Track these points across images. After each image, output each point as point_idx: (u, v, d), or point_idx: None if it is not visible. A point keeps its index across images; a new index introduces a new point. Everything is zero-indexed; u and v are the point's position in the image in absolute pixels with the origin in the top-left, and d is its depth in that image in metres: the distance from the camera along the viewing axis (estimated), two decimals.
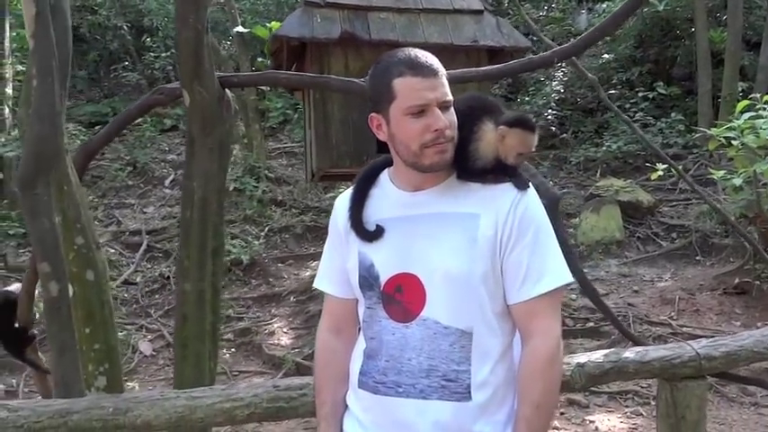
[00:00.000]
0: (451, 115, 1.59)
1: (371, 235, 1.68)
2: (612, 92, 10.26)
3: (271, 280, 8.29)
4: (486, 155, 1.64)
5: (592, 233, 8.22)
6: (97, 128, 11.01)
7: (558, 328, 1.62)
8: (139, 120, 11.32)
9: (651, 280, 7.44)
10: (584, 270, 7.58)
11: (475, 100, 1.75)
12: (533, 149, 1.64)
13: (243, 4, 12.42)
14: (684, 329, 6.11)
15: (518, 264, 1.59)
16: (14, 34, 11.22)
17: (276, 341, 6.96)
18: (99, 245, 2.64)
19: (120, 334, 6.96)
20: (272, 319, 7.41)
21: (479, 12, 4.76)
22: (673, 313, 6.47)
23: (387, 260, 1.66)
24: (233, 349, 6.96)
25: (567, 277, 1.63)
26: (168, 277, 8.07)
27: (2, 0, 9.01)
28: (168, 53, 12.46)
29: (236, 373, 6.50)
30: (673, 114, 9.98)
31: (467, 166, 1.67)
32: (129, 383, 6.07)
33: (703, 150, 8.33)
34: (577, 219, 8.57)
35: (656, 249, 8.18)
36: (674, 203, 9.07)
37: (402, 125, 1.58)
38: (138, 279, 8.22)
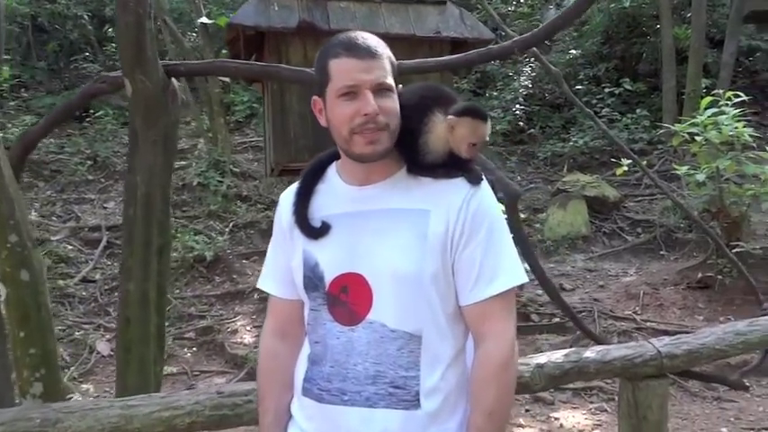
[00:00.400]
0: (390, 101, 1.49)
1: (316, 232, 1.58)
2: (579, 87, 10.28)
3: (235, 277, 8.11)
4: (436, 148, 1.54)
5: (558, 228, 8.22)
6: None
7: (512, 331, 1.53)
8: (101, 112, 11.05)
9: (616, 275, 7.47)
10: (551, 265, 7.60)
11: (427, 89, 1.65)
12: (486, 139, 1.54)
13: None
14: (648, 324, 6.13)
15: (470, 263, 1.50)
16: None
17: (239, 339, 6.81)
18: (35, 242, 2.48)
19: (77, 333, 6.81)
20: (235, 317, 7.25)
21: (442, 3, 4.66)
22: (637, 308, 6.49)
23: (332, 259, 1.55)
24: (194, 348, 6.79)
25: (522, 277, 1.55)
26: None
27: None
28: None
29: (198, 373, 6.33)
30: (638, 110, 10.05)
31: (417, 159, 1.58)
32: (84, 385, 5.86)
33: (668, 146, 8.40)
34: (544, 214, 8.57)
35: (622, 244, 8.23)
36: (640, 199, 9.14)
37: (334, 108, 1.49)
38: (96, 276, 7.98)
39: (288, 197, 1.68)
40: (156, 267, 2.53)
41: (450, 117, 1.51)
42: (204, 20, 7.86)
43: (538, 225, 8.44)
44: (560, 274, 7.34)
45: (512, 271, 1.53)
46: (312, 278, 1.57)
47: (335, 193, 1.62)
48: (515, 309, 1.57)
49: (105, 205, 9.65)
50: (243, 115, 12.24)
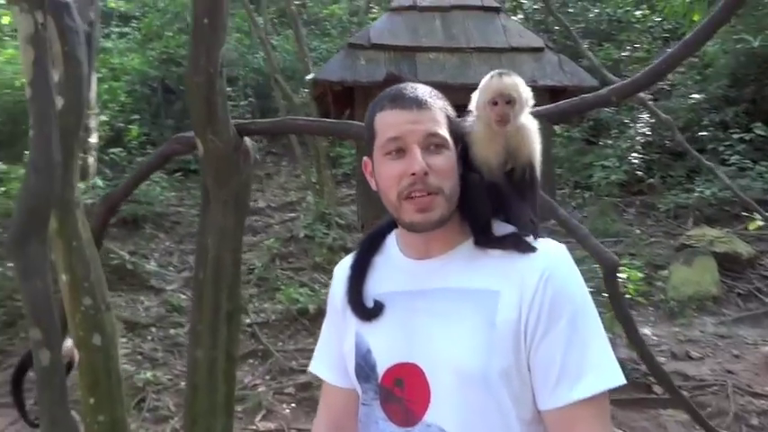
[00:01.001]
0: (443, 159, 1.27)
1: (368, 312, 1.37)
2: (704, 134, 9.52)
3: None
4: (484, 153, 1.32)
5: (683, 288, 7.48)
6: (177, 174, 11.32)
7: None
8: None
9: (754, 343, 6.60)
10: (675, 329, 6.87)
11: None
12: (504, 92, 1.31)
13: (318, 53, 12.58)
14: None
15: (550, 358, 1.22)
16: (105, 86, 11.83)
17: None
18: (109, 306, 2.43)
19: (182, 383, 6.92)
20: None
21: (539, 49, 4.41)
22: None
23: (385, 346, 1.33)
24: (293, 404, 6.68)
25: (617, 377, 1.24)
26: None
27: (90, 57, 9.41)
28: (246, 101, 12.73)
29: (295, 430, 6.20)
30: None
31: (483, 224, 1.33)
32: None
33: None
34: (666, 271, 7.84)
35: (760, 307, 7.33)
36: None
37: (381, 169, 1.30)
38: None
39: (342, 271, 1.49)
40: (226, 334, 2.40)
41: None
42: (311, 76, 8.06)
43: (659, 283, 7.72)
44: (686, 339, 6.60)
45: (603, 368, 1.23)
46: (364, 367, 1.35)
47: (393, 267, 1.41)
48: (609, 415, 1.26)
49: None
50: (349, 168, 12.40)
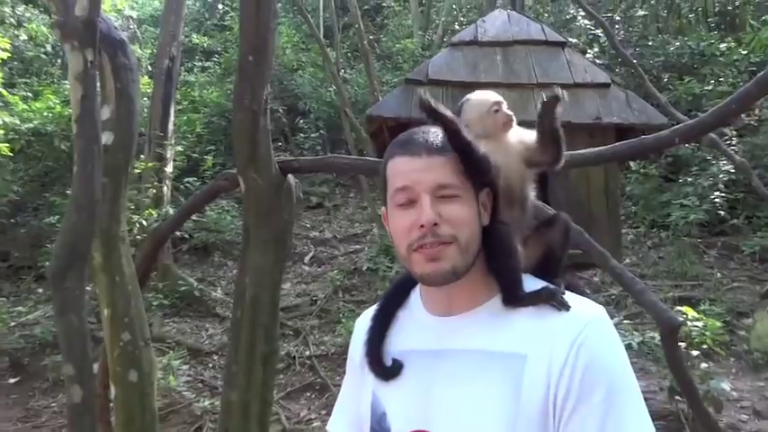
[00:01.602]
0: (457, 208, 1.16)
1: (386, 372, 1.26)
2: None
3: None
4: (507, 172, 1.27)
5: None
6: None
7: None
8: None
9: None
10: (760, 384, 6.36)
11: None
12: (500, 98, 1.32)
13: (390, 86, 12.67)
14: None
15: None
16: (185, 118, 12.30)
17: None
18: (148, 341, 2.42)
19: None
20: None
21: (605, 85, 4.20)
22: None
23: (401, 411, 1.22)
24: None
25: None
26: (294, 357, 7.95)
27: (169, 90, 9.82)
28: (317, 134, 12.94)
29: None
30: None
31: (509, 278, 1.21)
32: None
33: None
34: (750, 320, 7.30)
35: None
36: None
37: (392, 220, 1.20)
38: None
39: (363, 323, 1.39)
40: (261, 377, 2.34)
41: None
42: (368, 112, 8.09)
43: (742, 333, 7.19)
44: None
45: None
46: None
47: (415, 323, 1.30)
48: None
49: (282, 286, 10.01)
50: None
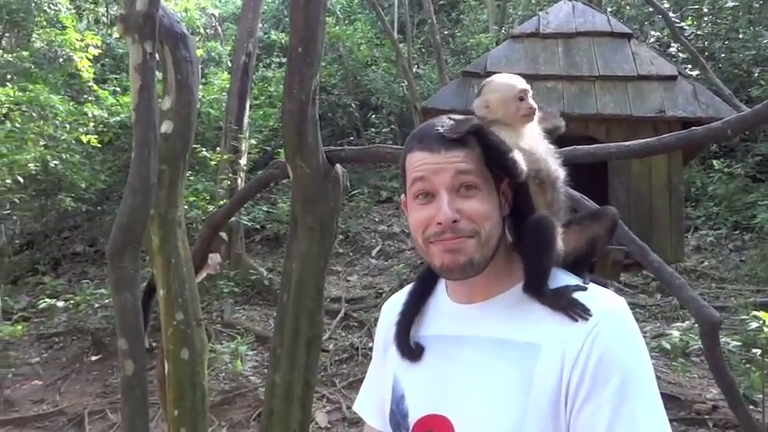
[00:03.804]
0: (476, 203, 1.15)
1: (411, 353, 1.27)
2: None
3: None
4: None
5: None
6: None
7: None
8: (356, 190, 11.93)
9: None
10: None
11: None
12: (527, 87, 1.28)
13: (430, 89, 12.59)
14: None
15: (591, 430, 1.06)
16: (261, 112, 12.66)
17: None
18: (200, 321, 2.53)
19: None
20: None
21: (671, 78, 4.01)
22: None
23: (419, 394, 1.24)
24: None
25: None
26: (358, 348, 8.06)
27: (245, 85, 10.12)
28: (389, 128, 13.02)
29: None
30: None
31: (537, 269, 1.20)
32: None
33: None
34: None
35: None
36: None
37: (410, 212, 1.21)
38: (330, 347, 8.33)
39: (390, 308, 1.41)
40: (305, 361, 2.40)
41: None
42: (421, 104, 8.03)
43: None
44: None
45: None
46: (396, 414, 1.27)
47: (438, 309, 1.31)
48: None
49: (349, 278, 10.19)
50: None
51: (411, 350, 1.27)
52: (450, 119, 1.22)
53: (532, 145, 1.27)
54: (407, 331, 1.31)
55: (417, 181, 1.16)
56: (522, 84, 1.30)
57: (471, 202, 1.14)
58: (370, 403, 1.42)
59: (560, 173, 1.30)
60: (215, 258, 4.36)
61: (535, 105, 1.29)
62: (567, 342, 1.09)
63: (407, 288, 1.43)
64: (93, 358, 7.62)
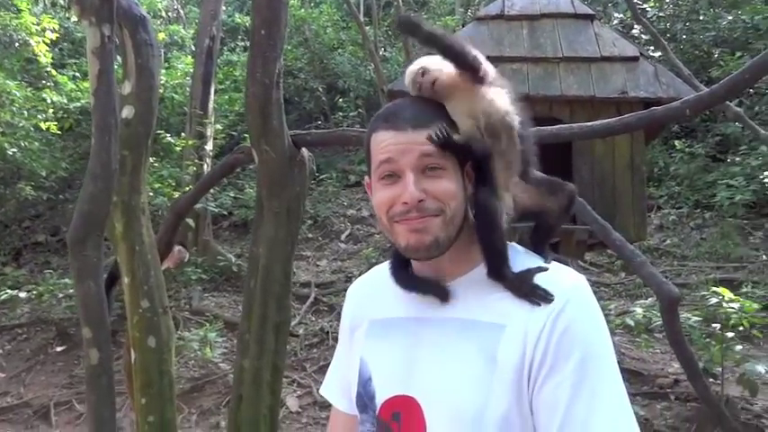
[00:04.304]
0: (443, 183, 1.15)
1: (439, 292, 1.21)
2: None
3: None
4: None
5: None
6: None
7: None
8: (325, 175, 11.88)
9: None
10: None
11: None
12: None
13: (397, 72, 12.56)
14: None
15: (553, 403, 1.08)
16: (226, 97, 12.48)
17: None
18: (166, 309, 2.50)
19: None
20: None
21: (633, 59, 4.07)
22: None
23: (386, 375, 1.24)
24: None
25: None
26: (328, 332, 8.08)
27: (209, 69, 9.96)
28: (356, 112, 12.96)
29: None
30: None
31: (493, 251, 1.20)
32: None
33: None
34: None
35: None
36: None
37: (375, 192, 1.21)
38: (300, 331, 8.33)
39: (356, 292, 1.41)
40: (273, 346, 2.40)
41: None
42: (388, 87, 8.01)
43: None
44: None
45: (613, 422, 1.07)
46: (363, 396, 1.27)
47: (405, 291, 1.31)
48: None
49: (318, 263, 10.18)
50: None
51: (439, 289, 1.22)
52: (415, 101, 1.22)
53: (487, 105, 1.21)
54: (409, 272, 1.28)
55: (383, 162, 1.16)
56: (420, 63, 1.24)
57: (437, 181, 1.15)
58: (336, 387, 1.42)
59: (515, 122, 1.24)
60: (182, 252, 4.32)
61: (435, 74, 1.21)
62: (529, 322, 1.11)
63: (372, 271, 1.43)
64: (58, 349, 7.49)
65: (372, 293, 1.36)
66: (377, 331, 1.30)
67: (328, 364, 1.40)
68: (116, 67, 2.29)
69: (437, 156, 1.15)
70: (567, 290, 1.14)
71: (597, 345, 1.10)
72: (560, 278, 1.16)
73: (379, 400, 1.23)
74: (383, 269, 1.38)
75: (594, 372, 1.08)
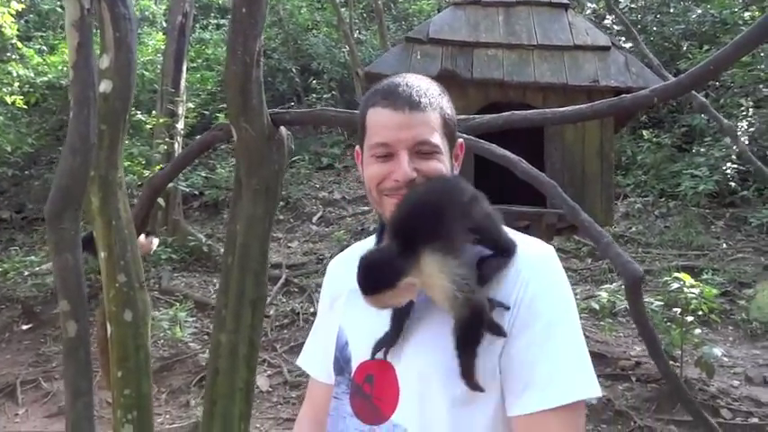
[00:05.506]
0: (434, 165, 1.21)
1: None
2: None
3: None
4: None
5: None
6: None
7: None
8: (297, 157, 11.82)
9: None
10: (756, 352, 6.41)
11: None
12: None
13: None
14: None
15: (519, 364, 1.14)
16: (198, 75, 12.32)
17: None
18: (142, 284, 2.52)
19: None
20: None
21: (605, 48, 4.17)
22: None
23: (362, 341, 1.30)
24: None
25: (591, 389, 1.14)
26: (299, 313, 8.11)
27: (182, 47, 9.82)
28: (330, 95, 12.91)
29: None
30: None
31: None
32: None
33: None
34: (752, 290, 7.33)
35: None
36: None
37: (367, 167, 1.25)
38: (270, 312, 8.35)
39: (337, 266, 1.46)
40: (250, 321, 2.43)
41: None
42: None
43: (743, 302, 7.23)
44: (765, 363, 6.15)
45: (577, 379, 1.13)
46: (340, 359, 1.33)
47: None
48: (582, 428, 1.17)
49: (290, 245, 10.18)
50: None
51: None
52: (414, 81, 1.25)
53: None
54: None
55: (379, 145, 1.20)
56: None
57: (429, 162, 1.20)
58: (313, 358, 1.47)
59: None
60: (151, 240, 4.31)
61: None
62: (499, 289, 1.17)
63: (352, 247, 1.48)
64: (24, 327, 7.41)
65: (353, 266, 1.41)
66: (355, 300, 1.35)
67: (299, 344, 1.45)
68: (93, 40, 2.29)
69: (432, 137, 1.20)
70: (536, 258, 1.20)
71: (564, 311, 1.17)
72: (529, 248, 1.23)
73: (355, 362, 1.28)
74: (363, 245, 1.43)
75: (560, 335, 1.15)
